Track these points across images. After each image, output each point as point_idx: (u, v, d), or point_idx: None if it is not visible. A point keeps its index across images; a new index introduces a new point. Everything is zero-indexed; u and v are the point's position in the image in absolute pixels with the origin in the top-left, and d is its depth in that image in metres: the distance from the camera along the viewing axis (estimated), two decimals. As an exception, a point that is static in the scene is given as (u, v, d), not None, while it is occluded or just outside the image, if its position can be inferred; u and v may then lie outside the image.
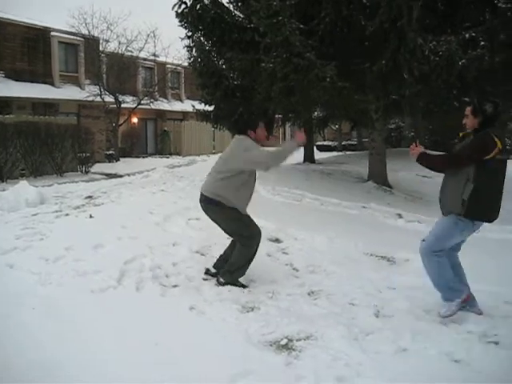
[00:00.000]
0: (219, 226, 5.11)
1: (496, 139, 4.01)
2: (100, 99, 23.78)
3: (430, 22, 8.32)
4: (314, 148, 21.49)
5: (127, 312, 4.22)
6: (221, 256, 5.30)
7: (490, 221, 4.22)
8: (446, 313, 4.17)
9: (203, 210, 5.08)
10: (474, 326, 4.07)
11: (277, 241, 6.55)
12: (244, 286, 4.93)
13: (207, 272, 5.24)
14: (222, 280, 4.96)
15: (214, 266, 5.24)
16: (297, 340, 3.81)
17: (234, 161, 4.86)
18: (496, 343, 3.78)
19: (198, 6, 9.51)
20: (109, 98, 24.28)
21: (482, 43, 7.42)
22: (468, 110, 4.17)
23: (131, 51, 26.20)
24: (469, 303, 4.38)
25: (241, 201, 4.92)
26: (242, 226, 4.94)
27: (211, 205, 4.93)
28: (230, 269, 4.97)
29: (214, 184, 4.96)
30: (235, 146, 4.95)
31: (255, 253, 5.01)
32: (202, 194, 5.05)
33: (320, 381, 3.23)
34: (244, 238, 4.96)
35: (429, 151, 4.46)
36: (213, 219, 5.08)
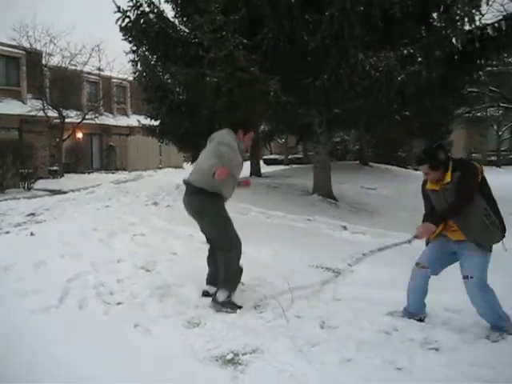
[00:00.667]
0: (201, 224, 4.98)
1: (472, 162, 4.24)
2: (43, 114, 23.19)
3: (370, 39, 8.54)
4: (261, 162, 21.64)
5: (68, 331, 4.11)
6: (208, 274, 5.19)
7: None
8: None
9: (186, 204, 4.94)
10: (416, 334, 4.15)
11: (222, 255, 6.51)
12: (239, 307, 4.74)
13: (205, 294, 5.06)
14: (218, 300, 4.75)
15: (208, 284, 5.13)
16: (243, 354, 3.79)
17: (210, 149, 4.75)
18: (437, 349, 3.87)
19: (142, 21, 9.46)
20: (52, 113, 23.71)
21: (420, 59, 7.67)
22: (425, 168, 4.20)
23: (75, 65, 25.77)
24: (409, 312, 4.50)
25: (226, 190, 4.84)
26: (224, 224, 4.83)
27: (197, 195, 4.79)
28: (224, 286, 4.81)
29: (200, 174, 4.79)
30: (218, 135, 4.85)
31: (239, 260, 4.87)
32: (188, 185, 4.90)
33: (265, 394, 3.24)
34: (222, 239, 4.84)
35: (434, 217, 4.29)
36: (197, 213, 4.92)
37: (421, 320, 4.48)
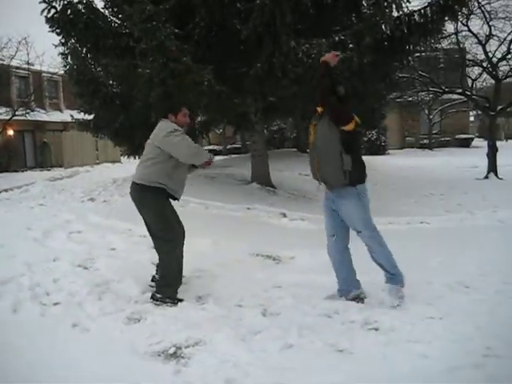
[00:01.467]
0: (146, 220, 4.91)
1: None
2: (-31, 111, 22.23)
3: (302, 26, 8.59)
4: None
5: (2, 337, 3.96)
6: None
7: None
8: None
9: (133, 200, 4.87)
10: (357, 315, 4.23)
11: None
12: (180, 300, 4.71)
13: (153, 279, 5.08)
14: (157, 296, 4.72)
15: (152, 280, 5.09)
16: (185, 347, 3.77)
17: (158, 144, 4.70)
18: (376, 329, 3.96)
19: (69, 11, 9.15)
20: (-20, 110, 22.76)
21: (351, 46, 7.78)
22: None
23: (2, 59, 24.77)
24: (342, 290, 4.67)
25: (175, 185, 4.78)
26: (164, 221, 4.77)
27: (141, 192, 4.74)
28: (161, 283, 4.79)
29: (144, 170, 4.77)
30: (157, 129, 4.83)
31: (180, 257, 4.86)
32: (132, 183, 4.85)
33: (209, 385, 3.23)
34: (162, 233, 4.79)
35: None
36: (139, 209, 4.86)
37: (361, 300, 4.58)
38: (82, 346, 3.83)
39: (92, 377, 3.33)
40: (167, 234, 4.77)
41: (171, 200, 4.89)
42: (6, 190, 15.48)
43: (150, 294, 4.80)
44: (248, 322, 4.20)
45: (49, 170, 27.21)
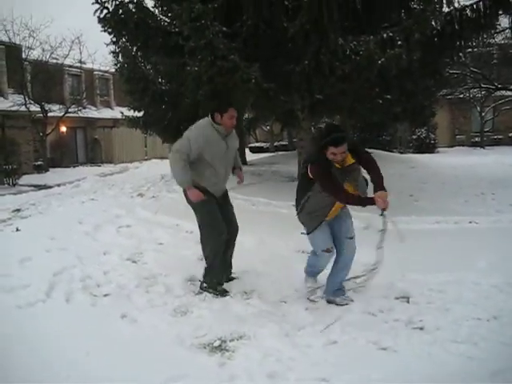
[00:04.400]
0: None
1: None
2: (25, 109, 22.89)
3: (350, 23, 8.52)
4: (246, 150, 21.59)
5: (57, 325, 4.13)
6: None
7: None
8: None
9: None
10: (401, 314, 4.21)
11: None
12: (225, 292, 4.84)
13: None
14: (204, 285, 4.90)
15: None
16: (230, 341, 3.85)
17: None
18: (421, 329, 3.94)
19: (121, 11, 9.34)
20: (34, 107, 23.42)
21: (399, 42, 7.66)
22: (343, 147, 4.14)
23: (56, 58, 25.44)
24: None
25: (208, 183, 4.85)
26: (201, 217, 4.90)
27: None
28: (205, 273, 4.95)
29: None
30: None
31: (219, 252, 4.92)
32: None
33: (253, 378, 3.28)
34: (200, 228, 4.94)
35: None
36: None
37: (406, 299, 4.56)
38: (130, 336, 3.94)
39: (139, 367, 3.43)
40: (203, 229, 4.91)
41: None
42: (58, 185, 15.99)
43: (196, 289, 4.91)
44: (292, 317, 4.25)
45: (99, 165, 27.87)
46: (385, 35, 7.73)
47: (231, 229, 5.00)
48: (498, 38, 19.02)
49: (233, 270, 5.27)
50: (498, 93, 23.33)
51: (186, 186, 4.70)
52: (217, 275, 4.93)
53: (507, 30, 17.96)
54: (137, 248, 6.39)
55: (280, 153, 25.97)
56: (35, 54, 24.75)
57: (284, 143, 34.55)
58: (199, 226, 4.96)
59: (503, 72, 21.34)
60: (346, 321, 4.10)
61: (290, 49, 8.46)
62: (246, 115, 17.71)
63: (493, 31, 12.96)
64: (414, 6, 9.35)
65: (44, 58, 24.65)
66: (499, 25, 13.73)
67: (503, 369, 3.22)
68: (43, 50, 24.77)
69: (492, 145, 33.27)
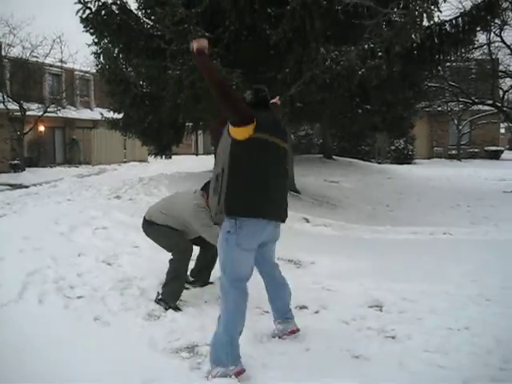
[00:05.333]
0: None
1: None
2: (3, 106, 22.52)
3: (333, 33, 8.62)
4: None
5: (28, 326, 4.08)
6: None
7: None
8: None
9: None
10: (374, 323, 4.25)
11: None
12: (178, 309, 4.62)
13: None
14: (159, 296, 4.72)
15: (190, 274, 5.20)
16: (203, 345, 3.83)
17: None
18: (393, 337, 3.98)
19: (104, 12, 9.32)
20: (13, 105, 23.08)
21: (380, 54, 7.77)
22: None
23: (37, 57, 25.19)
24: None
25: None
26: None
27: None
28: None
29: None
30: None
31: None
32: None
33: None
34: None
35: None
36: None
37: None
38: (103, 339, 3.91)
39: (111, 370, 3.40)
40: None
41: None
42: (35, 185, 15.80)
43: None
44: (265, 324, 4.24)
45: (77, 166, 27.61)
46: (366, 46, 7.83)
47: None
48: (476, 54, 19.43)
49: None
50: (475, 107, 23.71)
51: None
52: (175, 292, 4.79)
53: (485, 46, 18.33)
54: (112, 250, 6.34)
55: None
56: (15, 52, 24.52)
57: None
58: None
59: (480, 87, 21.69)
60: (319, 328, 4.11)
61: (272, 56, 8.52)
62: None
63: (471, 46, 13.21)
64: (396, 18, 9.49)
65: (24, 56, 24.42)
66: (477, 41, 14.01)
67: (473, 378, 3.26)
68: (23, 48, 24.56)
69: (468, 158, 33.80)
